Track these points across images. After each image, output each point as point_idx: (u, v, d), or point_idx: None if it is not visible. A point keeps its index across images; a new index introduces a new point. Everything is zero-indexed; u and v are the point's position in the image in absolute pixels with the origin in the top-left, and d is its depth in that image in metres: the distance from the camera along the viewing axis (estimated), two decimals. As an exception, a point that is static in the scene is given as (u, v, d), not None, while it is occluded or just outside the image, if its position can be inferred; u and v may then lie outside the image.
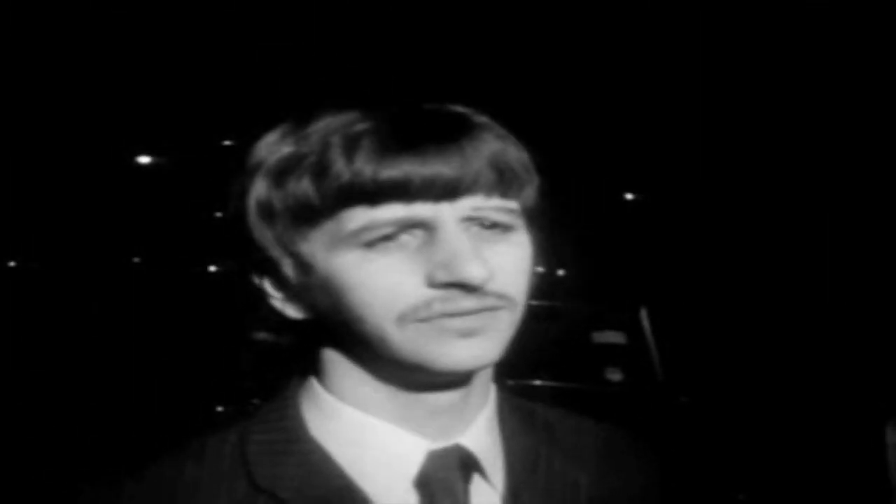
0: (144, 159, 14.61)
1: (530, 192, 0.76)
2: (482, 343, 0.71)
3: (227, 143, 11.69)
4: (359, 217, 0.69)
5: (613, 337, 4.65)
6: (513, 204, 0.74)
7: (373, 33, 9.42)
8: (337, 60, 9.74)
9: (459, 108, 0.76)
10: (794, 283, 9.43)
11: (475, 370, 0.74)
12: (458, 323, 0.70)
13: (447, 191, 0.70)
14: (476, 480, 0.78)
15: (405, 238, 0.71)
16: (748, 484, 4.04)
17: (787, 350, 6.67)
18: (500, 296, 0.71)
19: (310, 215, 0.71)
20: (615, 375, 4.44)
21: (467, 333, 0.71)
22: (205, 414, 5.15)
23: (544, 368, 4.16)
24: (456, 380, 0.76)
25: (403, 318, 0.70)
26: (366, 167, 0.69)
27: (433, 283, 0.70)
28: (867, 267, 8.81)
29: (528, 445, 0.83)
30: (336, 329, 0.76)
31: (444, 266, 0.69)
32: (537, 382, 3.79)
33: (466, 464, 0.77)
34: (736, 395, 5.21)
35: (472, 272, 0.68)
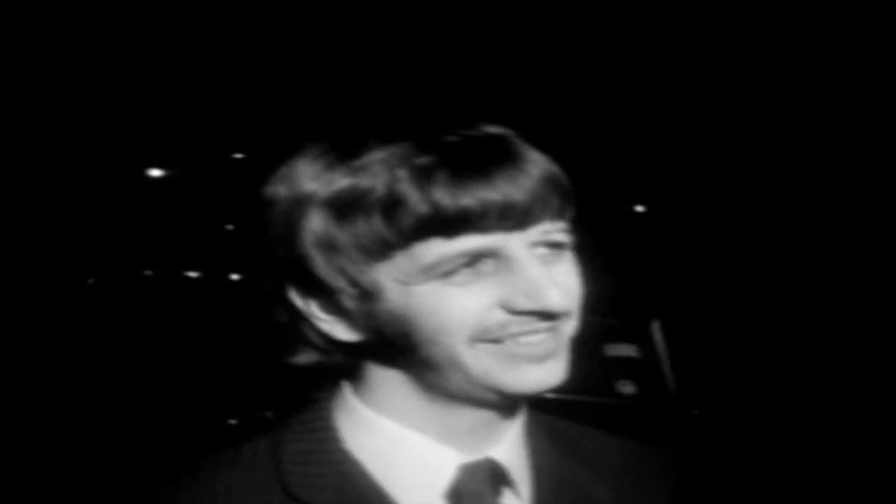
0: (156, 172, 14.65)
1: (574, 208, 0.77)
2: (554, 366, 0.75)
3: (238, 156, 11.73)
4: (434, 250, 0.70)
5: (625, 350, 4.62)
6: (567, 223, 0.76)
7: (381, 48, 9.45)
8: (347, 75, 9.77)
9: (495, 128, 0.76)
10: (806, 295, 9.38)
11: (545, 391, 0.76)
12: (530, 349, 0.73)
13: (520, 219, 0.71)
14: (505, 494, 0.79)
15: (479, 266, 0.72)
16: (761, 495, 4.02)
17: (800, 361, 6.63)
18: (568, 314, 0.74)
19: (381, 250, 0.71)
20: (627, 388, 4.42)
21: (539, 359, 0.73)
22: (216, 426, 5.15)
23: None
24: (516, 401, 0.78)
25: (475, 338, 0.71)
26: (445, 199, 0.69)
27: (513, 310, 0.71)
28: (882, 280, 8.77)
29: (554, 461, 0.84)
30: (395, 349, 0.75)
31: (525, 295, 0.71)
32: (549, 396, 3.76)
33: (497, 477, 0.78)
34: (748, 406, 5.18)
35: (555, 301, 0.71)
